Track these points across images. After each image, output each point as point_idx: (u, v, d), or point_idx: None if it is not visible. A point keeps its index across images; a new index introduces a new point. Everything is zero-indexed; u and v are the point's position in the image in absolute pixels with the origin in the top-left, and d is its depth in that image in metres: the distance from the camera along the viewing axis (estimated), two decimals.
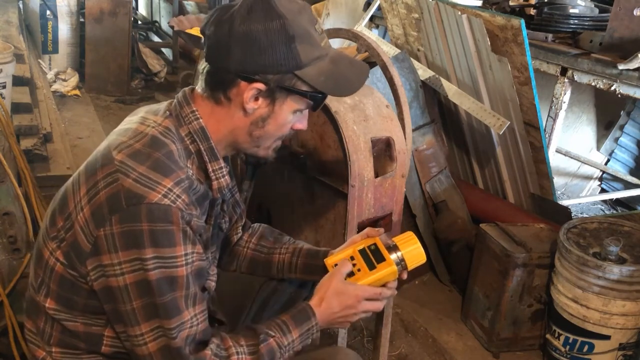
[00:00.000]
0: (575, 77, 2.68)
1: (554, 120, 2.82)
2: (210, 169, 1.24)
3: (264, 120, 1.22)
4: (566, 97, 2.79)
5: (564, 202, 2.95)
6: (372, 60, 2.02)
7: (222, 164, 1.26)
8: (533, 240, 2.37)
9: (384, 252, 1.34)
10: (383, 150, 1.88)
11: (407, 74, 2.88)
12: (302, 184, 1.98)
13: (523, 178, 2.86)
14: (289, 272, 1.51)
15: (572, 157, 3.73)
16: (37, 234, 1.28)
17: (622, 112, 3.87)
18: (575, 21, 3.01)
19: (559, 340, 2.26)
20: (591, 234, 2.26)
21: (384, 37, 3.95)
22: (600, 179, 4.05)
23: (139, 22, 7.24)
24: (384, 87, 2.18)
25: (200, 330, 1.17)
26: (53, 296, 1.19)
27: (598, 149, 4.03)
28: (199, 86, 1.24)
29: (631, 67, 2.41)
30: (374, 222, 1.90)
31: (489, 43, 2.61)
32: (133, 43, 5.41)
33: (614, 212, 3.81)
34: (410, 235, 1.38)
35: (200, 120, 1.22)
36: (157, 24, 7.00)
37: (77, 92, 5.10)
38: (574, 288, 2.15)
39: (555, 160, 3.20)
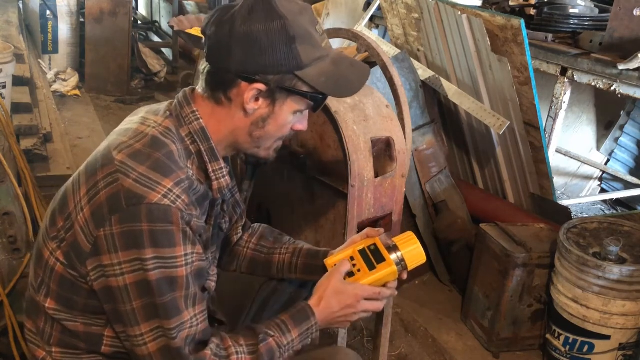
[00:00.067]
0: (575, 77, 2.69)
1: (554, 120, 2.82)
2: (211, 170, 1.24)
3: (265, 121, 1.22)
4: (566, 97, 2.79)
5: (564, 202, 2.95)
6: (372, 60, 2.02)
7: (222, 164, 1.26)
8: (533, 240, 2.37)
9: (384, 252, 1.34)
10: (383, 150, 1.88)
11: (407, 74, 2.88)
12: (302, 184, 1.98)
13: (523, 178, 2.86)
14: (289, 272, 1.51)
15: (572, 157, 3.73)
16: (37, 234, 1.28)
17: (622, 112, 3.87)
18: (575, 21, 3.01)
19: (559, 340, 2.26)
20: (591, 234, 2.26)
21: (384, 37, 3.95)
22: (600, 179, 4.05)
23: (139, 22, 7.24)
24: (384, 87, 2.18)
25: (200, 330, 1.17)
26: (53, 296, 1.20)
27: (598, 149, 4.03)
28: (200, 86, 1.24)
29: (631, 67, 2.41)
30: (374, 222, 1.90)
31: (489, 43, 2.61)
32: (133, 43, 5.41)
33: (614, 212, 3.81)
34: (410, 235, 1.38)
35: (201, 120, 1.22)
36: (157, 24, 7.00)
37: (77, 92, 5.10)
38: (574, 288, 2.15)
39: (555, 160, 3.21)
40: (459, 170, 3.26)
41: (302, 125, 1.28)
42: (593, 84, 2.62)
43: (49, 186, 2.73)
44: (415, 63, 3.02)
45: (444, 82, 2.92)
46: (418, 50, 3.16)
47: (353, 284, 1.30)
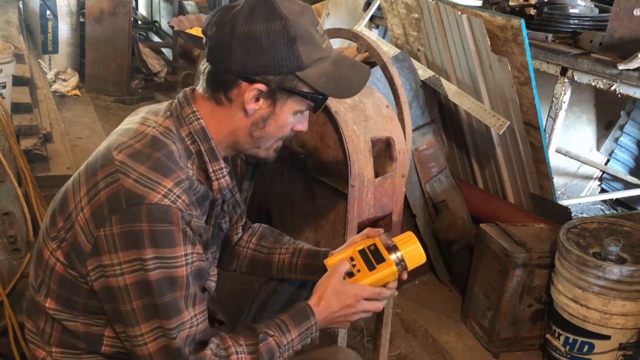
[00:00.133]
0: (575, 77, 2.69)
1: (554, 120, 2.82)
2: (211, 170, 1.24)
3: (265, 121, 1.22)
4: (566, 97, 2.79)
5: (564, 202, 2.95)
6: (372, 60, 2.02)
7: (223, 165, 1.26)
8: (533, 240, 2.37)
9: (384, 252, 1.34)
10: (383, 150, 1.88)
11: (407, 74, 2.88)
12: (302, 184, 1.98)
13: (523, 178, 2.86)
14: (288, 272, 1.51)
15: (572, 157, 3.73)
16: (37, 234, 1.28)
17: (622, 112, 3.87)
18: (575, 21, 3.01)
19: (559, 340, 2.26)
20: (591, 234, 2.26)
21: (384, 37, 3.95)
22: (600, 179, 4.05)
23: (139, 22, 7.24)
24: (384, 87, 2.18)
25: (200, 330, 1.17)
26: (53, 296, 1.20)
27: (598, 149, 4.03)
28: (200, 86, 1.24)
29: (631, 67, 2.41)
30: (374, 222, 1.90)
31: (489, 43, 2.61)
32: (133, 43, 5.41)
33: (614, 212, 3.81)
34: (410, 235, 1.38)
35: (201, 120, 1.22)
36: (157, 24, 7.00)
37: (77, 92, 5.10)
38: (574, 288, 2.15)
39: (555, 160, 3.21)
40: (459, 170, 3.26)
41: (302, 125, 1.28)
42: (593, 84, 2.62)
43: (49, 186, 2.73)
44: (415, 63, 3.02)
45: (444, 82, 2.92)
46: (418, 50, 3.16)
47: (353, 284, 1.30)
